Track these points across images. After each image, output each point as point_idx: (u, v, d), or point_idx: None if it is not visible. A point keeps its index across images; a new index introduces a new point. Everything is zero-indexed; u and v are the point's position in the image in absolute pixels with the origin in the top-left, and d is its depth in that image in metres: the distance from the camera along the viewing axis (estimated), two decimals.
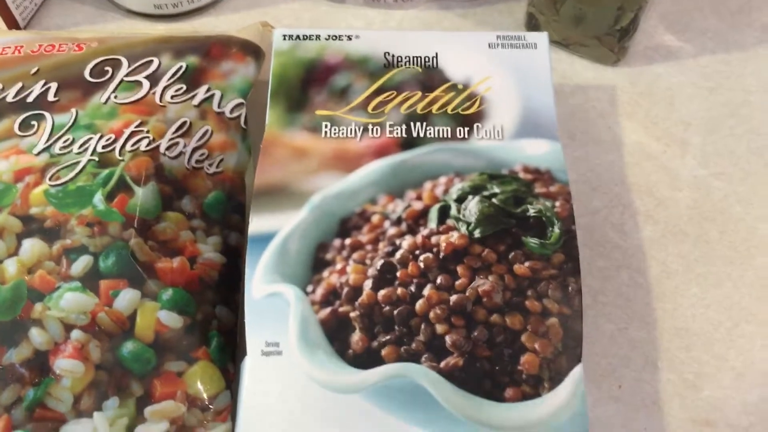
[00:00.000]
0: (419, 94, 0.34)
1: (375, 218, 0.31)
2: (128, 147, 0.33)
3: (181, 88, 0.35)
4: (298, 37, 0.36)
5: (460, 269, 0.29)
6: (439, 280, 0.29)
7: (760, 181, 0.38)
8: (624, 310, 0.34)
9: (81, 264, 0.30)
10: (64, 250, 0.30)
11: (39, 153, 0.33)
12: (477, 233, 0.30)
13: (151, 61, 0.36)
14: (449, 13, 0.43)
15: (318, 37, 0.36)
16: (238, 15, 0.43)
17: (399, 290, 0.29)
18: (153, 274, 0.30)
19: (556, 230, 0.30)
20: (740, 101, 0.40)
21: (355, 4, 0.43)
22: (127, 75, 0.35)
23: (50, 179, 0.32)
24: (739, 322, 0.34)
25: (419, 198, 0.31)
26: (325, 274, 0.30)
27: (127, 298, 0.29)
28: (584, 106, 0.40)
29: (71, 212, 0.31)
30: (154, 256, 0.30)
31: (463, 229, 0.30)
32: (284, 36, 0.36)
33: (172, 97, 0.35)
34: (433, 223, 0.30)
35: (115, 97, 0.34)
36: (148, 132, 0.33)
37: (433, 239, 0.30)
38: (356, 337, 0.28)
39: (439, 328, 0.28)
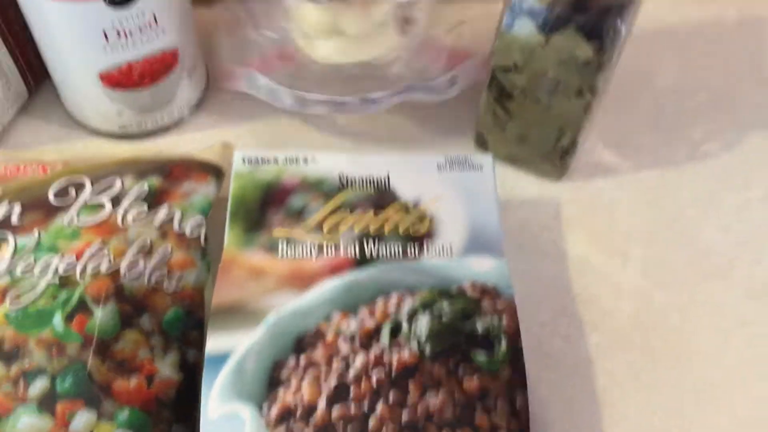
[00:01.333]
0: (372, 214, 0.35)
1: (329, 336, 0.32)
2: (89, 268, 0.34)
3: (143, 209, 0.36)
4: (257, 160, 0.37)
5: (411, 386, 0.30)
6: (391, 398, 0.30)
7: (696, 291, 0.40)
8: (573, 420, 0.35)
9: (38, 386, 0.30)
10: (21, 373, 0.31)
11: (1, 275, 0.33)
12: (427, 350, 0.31)
13: (114, 182, 0.37)
14: (408, 122, 0.45)
15: (276, 160, 0.37)
16: (200, 134, 0.45)
17: (352, 408, 0.30)
18: (110, 394, 0.31)
19: (503, 346, 0.31)
20: (676, 214, 0.43)
21: (315, 118, 0.45)
22: (90, 197, 0.36)
23: (11, 302, 0.32)
24: (684, 429, 0.35)
25: (372, 315, 0.32)
26: (281, 392, 0.31)
27: (83, 420, 0.30)
28: (530, 220, 0.42)
29: (30, 334, 0.31)
30: (112, 376, 0.31)
31: (414, 346, 0.31)
32: (243, 159, 0.37)
33: (134, 218, 0.36)
34: (385, 340, 0.32)
35: (78, 218, 0.35)
36: (109, 253, 0.34)
37: (385, 357, 0.31)
38: None
39: None
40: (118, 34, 0.38)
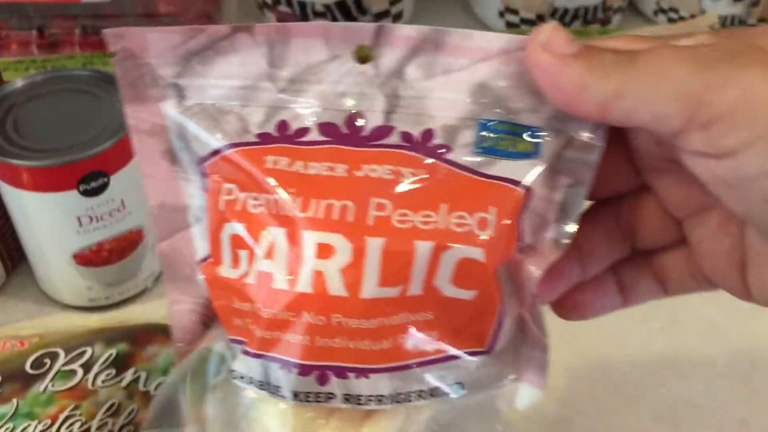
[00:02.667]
0: None
1: None
2: (63, 430, 0.37)
3: (111, 372, 0.40)
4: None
5: None
6: None
7: (612, 418, 0.44)
8: None
9: None
10: None
11: None
12: None
13: (85, 350, 0.41)
14: None
15: None
16: (163, 301, 0.48)
17: None
18: None
19: None
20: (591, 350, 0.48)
21: None
22: (63, 365, 0.40)
23: None
24: None
25: None
26: None
27: None
28: None
29: None
30: None
31: None
32: None
33: (103, 381, 0.40)
34: None
35: (53, 385, 0.39)
36: (81, 415, 0.38)
37: None
38: None
39: None
40: (90, 219, 0.44)
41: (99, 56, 0.57)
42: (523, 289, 0.27)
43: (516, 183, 0.26)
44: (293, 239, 0.26)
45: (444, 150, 0.27)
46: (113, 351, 0.41)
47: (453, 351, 0.27)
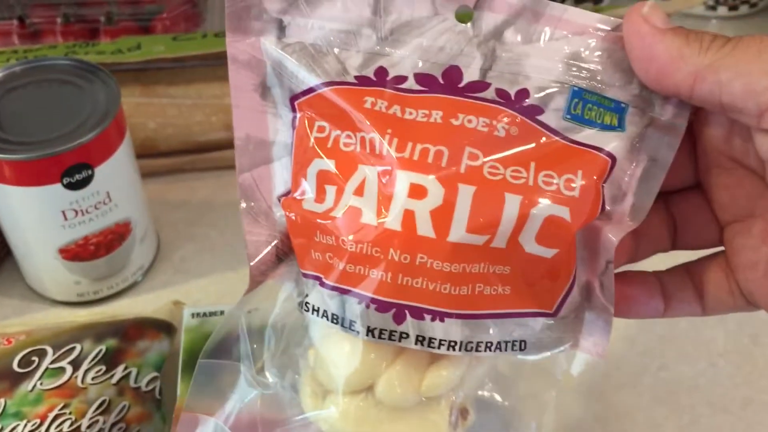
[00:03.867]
0: None
1: None
2: (52, 430, 0.36)
3: (101, 369, 0.40)
4: (204, 314, 0.41)
5: None
6: None
7: (611, 401, 0.44)
8: None
9: None
10: None
11: None
12: None
13: (74, 347, 0.40)
14: None
15: (222, 312, 0.41)
16: (152, 294, 0.49)
17: None
18: None
19: None
20: None
21: None
22: (51, 362, 0.39)
23: None
24: None
25: None
26: None
27: None
28: None
29: None
30: None
31: None
32: (192, 314, 0.41)
33: (93, 378, 0.39)
34: None
35: (41, 383, 0.38)
36: (70, 413, 0.37)
37: None
38: None
39: None
40: (76, 212, 0.43)
41: (81, 45, 0.56)
42: (596, 256, 0.28)
43: (601, 150, 0.27)
44: (386, 178, 0.27)
45: (536, 111, 0.28)
46: (103, 347, 0.41)
47: (521, 309, 0.28)
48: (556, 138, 0.27)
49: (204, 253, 0.51)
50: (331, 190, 0.28)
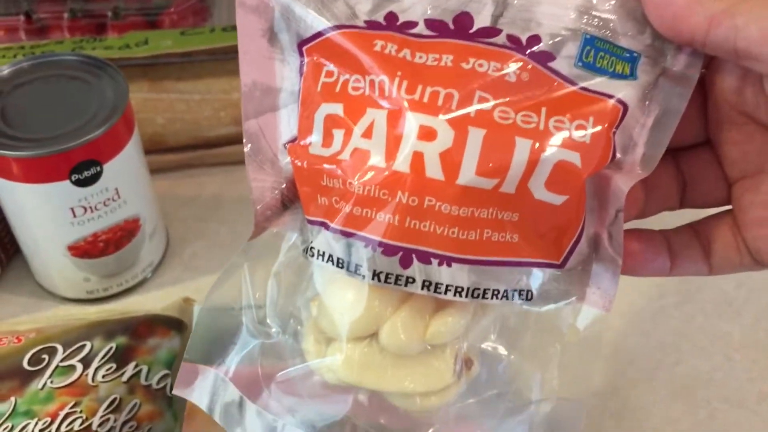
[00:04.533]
0: None
1: None
2: (63, 428, 0.36)
3: (112, 367, 0.39)
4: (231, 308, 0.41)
5: None
6: None
7: (627, 396, 0.43)
8: None
9: None
10: None
11: None
12: None
13: (84, 345, 0.40)
14: None
15: (233, 309, 0.41)
16: (162, 291, 0.48)
17: None
18: None
19: None
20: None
21: None
22: (62, 360, 0.39)
23: None
24: None
25: None
26: None
27: None
28: None
29: None
30: None
31: None
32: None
33: (104, 376, 0.39)
34: None
35: (51, 382, 0.38)
36: (81, 412, 0.37)
37: None
38: None
39: None
40: (84, 209, 0.43)
41: (88, 40, 0.55)
42: (605, 205, 0.28)
43: (612, 98, 0.27)
44: (394, 120, 0.26)
45: (548, 57, 0.27)
46: (113, 344, 0.40)
47: (529, 258, 0.28)
48: (568, 84, 0.27)
49: (214, 250, 0.50)
50: (338, 134, 0.28)
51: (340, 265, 0.28)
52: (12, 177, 0.41)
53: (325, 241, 0.28)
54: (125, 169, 0.43)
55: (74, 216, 0.43)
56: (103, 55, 0.49)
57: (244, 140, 0.30)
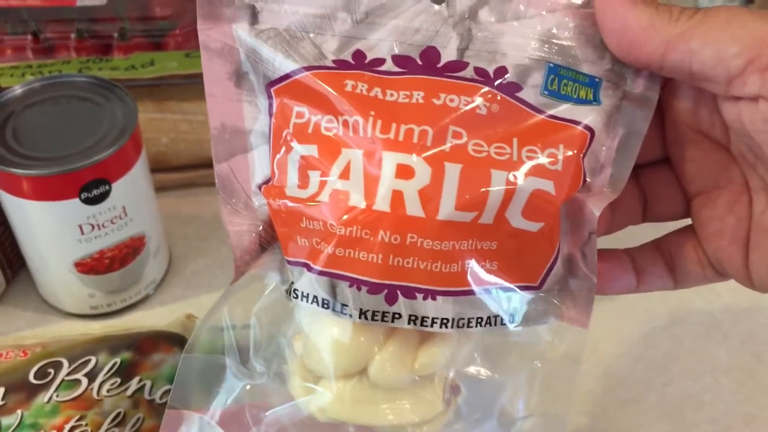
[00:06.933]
0: None
1: None
2: None
3: (116, 381, 0.40)
4: (217, 328, 0.42)
5: None
6: None
7: (614, 417, 0.44)
8: None
9: None
10: None
11: None
12: None
13: (89, 359, 0.41)
14: None
15: (235, 327, 0.42)
16: (165, 308, 0.49)
17: None
18: None
19: None
20: (591, 348, 0.48)
21: None
22: (67, 375, 0.40)
23: None
24: None
25: None
26: None
27: None
28: None
29: None
30: None
31: None
32: None
33: (108, 390, 0.40)
34: None
35: (57, 395, 0.39)
36: (86, 425, 0.38)
37: None
38: None
39: None
40: (92, 227, 0.44)
41: (95, 60, 0.56)
42: (578, 228, 0.29)
43: (579, 123, 0.28)
44: (371, 160, 0.27)
45: (515, 88, 0.28)
46: (117, 359, 0.41)
47: (507, 283, 0.28)
48: (536, 114, 0.28)
49: (215, 269, 0.51)
50: (314, 176, 0.28)
51: (325, 306, 0.28)
52: (22, 194, 0.42)
53: (308, 282, 0.28)
54: (133, 188, 0.44)
55: (82, 233, 0.44)
56: (109, 76, 0.51)
57: (216, 184, 0.30)
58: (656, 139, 0.31)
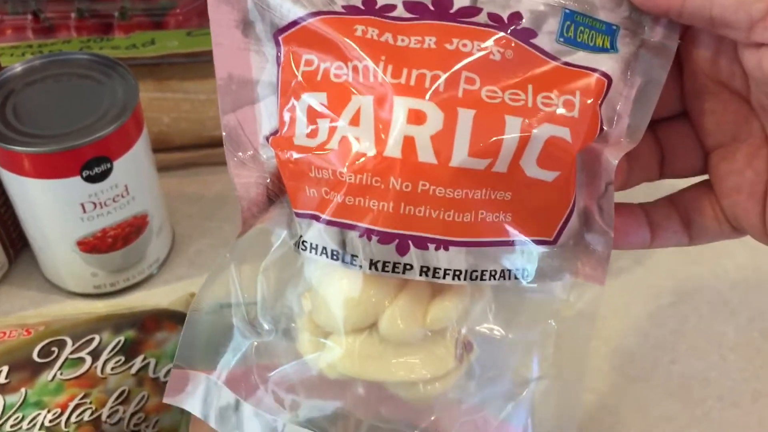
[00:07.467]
0: None
1: None
2: (73, 419, 0.37)
3: (120, 359, 0.40)
4: (221, 306, 0.42)
5: None
6: None
7: (624, 393, 0.44)
8: None
9: None
10: None
11: None
12: None
13: (93, 338, 0.41)
14: None
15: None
16: (168, 287, 0.49)
17: None
18: None
19: None
20: (599, 325, 0.48)
21: None
22: (71, 353, 0.40)
23: None
24: None
25: None
26: None
27: None
28: None
29: None
30: None
31: None
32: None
33: (112, 368, 0.40)
34: None
35: (61, 374, 0.39)
36: (91, 403, 0.38)
37: None
38: None
39: None
40: (94, 205, 0.43)
41: (95, 40, 0.56)
42: (595, 179, 0.28)
43: (595, 71, 0.27)
44: (382, 106, 0.26)
45: (530, 34, 0.27)
46: (121, 338, 0.41)
47: (522, 237, 0.28)
48: (551, 60, 0.27)
49: (219, 248, 0.51)
50: (323, 123, 0.27)
51: (334, 257, 0.27)
52: (24, 172, 0.42)
53: (317, 233, 0.27)
54: (134, 166, 0.44)
55: (84, 211, 0.43)
56: (110, 55, 0.50)
57: (223, 135, 0.29)
58: (674, 92, 0.31)
